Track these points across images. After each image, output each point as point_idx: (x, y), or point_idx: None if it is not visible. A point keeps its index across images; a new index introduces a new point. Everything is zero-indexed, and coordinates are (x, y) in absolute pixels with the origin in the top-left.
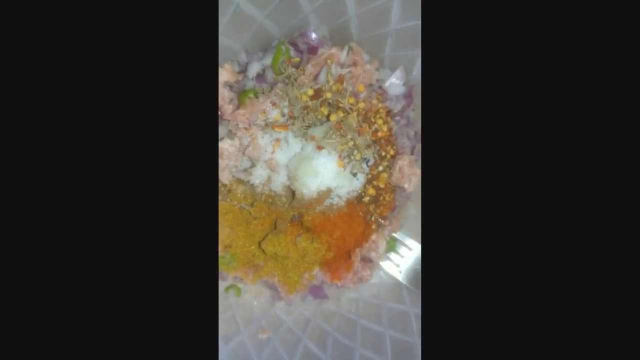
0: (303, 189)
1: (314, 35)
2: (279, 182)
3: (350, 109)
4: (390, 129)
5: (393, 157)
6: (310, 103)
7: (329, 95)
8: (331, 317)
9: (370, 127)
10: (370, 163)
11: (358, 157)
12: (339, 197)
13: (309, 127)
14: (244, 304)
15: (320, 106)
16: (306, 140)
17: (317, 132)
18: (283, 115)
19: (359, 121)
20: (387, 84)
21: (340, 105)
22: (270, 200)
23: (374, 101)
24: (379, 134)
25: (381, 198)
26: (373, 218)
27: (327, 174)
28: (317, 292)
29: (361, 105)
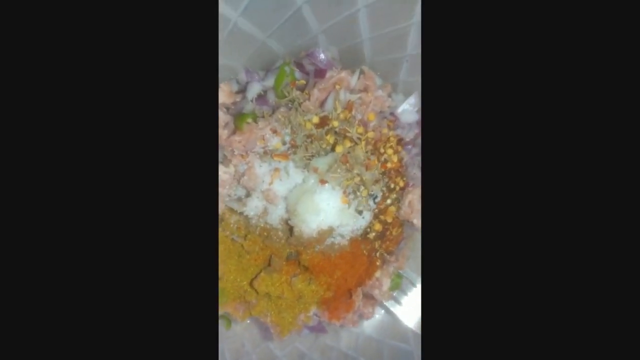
0: (302, 225)
1: (322, 56)
2: (276, 215)
3: (359, 139)
4: (400, 159)
5: (402, 189)
6: (314, 131)
7: (335, 124)
8: (328, 353)
9: (379, 159)
10: (377, 200)
11: (365, 193)
12: (342, 236)
13: (312, 157)
14: (233, 337)
15: (326, 134)
16: (308, 171)
17: (321, 163)
18: (284, 143)
19: (367, 153)
20: (399, 111)
21: (348, 134)
22: (265, 233)
23: (385, 130)
24: (389, 164)
25: (387, 233)
26: (378, 254)
27: (329, 211)
28: (313, 326)
29: (370, 135)
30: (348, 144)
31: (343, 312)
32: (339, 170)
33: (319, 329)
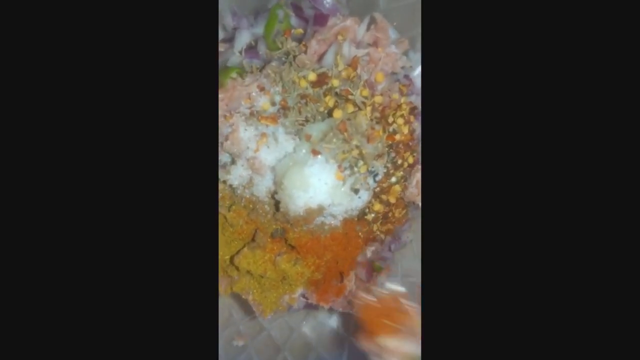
0: (288, 201)
1: None
2: (263, 186)
3: (363, 103)
4: (412, 131)
5: (411, 166)
6: (310, 91)
7: (336, 83)
8: (318, 329)
9: (385, 130)
10: (378, 178)
11: (363, 170)
12: (333, 216)
13: (306, 122)
14: (221, 306)
15: (324, 95)
16: (300, 139)
17: (315, 130)
18: (273, 104)
19: (371, 121)
20: (415, 74)
21: (350, 97)
22: (250, 206)
23: (395, 95)
24: (397, 136)
25: (390, 214)
26: (376, 237)
27: (320, 188)
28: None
29: (378, 99)
30: (350, 108)
31: (332, 296)
32: (334, 140)
33: (310, 306)
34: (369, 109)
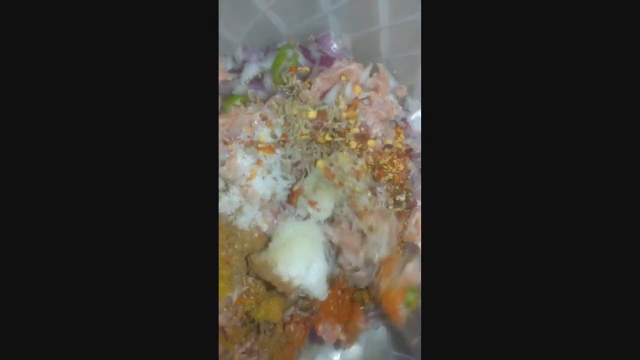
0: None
1: (333, 44)
2: (249, 216)
3: (346, 144)
4: (407, 172)
5: (410, 207)
6: (310, 127)
7: (333, 121)
8: None
9: (373, 165)
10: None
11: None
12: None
13: (305, 154)
14: None
15: (322, 131)
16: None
17: (306, 185)
18: (274, 137)
19: (354, 155)
20: (412, 118)
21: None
22: (231, 236)
23: (388, 141)
24: (391, 169)
25: None
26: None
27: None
28: None
29: (371, 143)
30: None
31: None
32: (325, 188)
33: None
34: (352, 142)
